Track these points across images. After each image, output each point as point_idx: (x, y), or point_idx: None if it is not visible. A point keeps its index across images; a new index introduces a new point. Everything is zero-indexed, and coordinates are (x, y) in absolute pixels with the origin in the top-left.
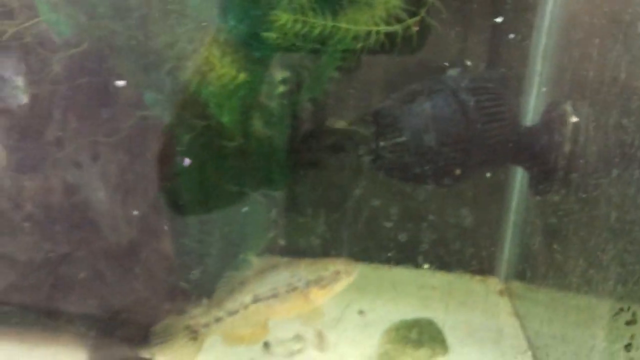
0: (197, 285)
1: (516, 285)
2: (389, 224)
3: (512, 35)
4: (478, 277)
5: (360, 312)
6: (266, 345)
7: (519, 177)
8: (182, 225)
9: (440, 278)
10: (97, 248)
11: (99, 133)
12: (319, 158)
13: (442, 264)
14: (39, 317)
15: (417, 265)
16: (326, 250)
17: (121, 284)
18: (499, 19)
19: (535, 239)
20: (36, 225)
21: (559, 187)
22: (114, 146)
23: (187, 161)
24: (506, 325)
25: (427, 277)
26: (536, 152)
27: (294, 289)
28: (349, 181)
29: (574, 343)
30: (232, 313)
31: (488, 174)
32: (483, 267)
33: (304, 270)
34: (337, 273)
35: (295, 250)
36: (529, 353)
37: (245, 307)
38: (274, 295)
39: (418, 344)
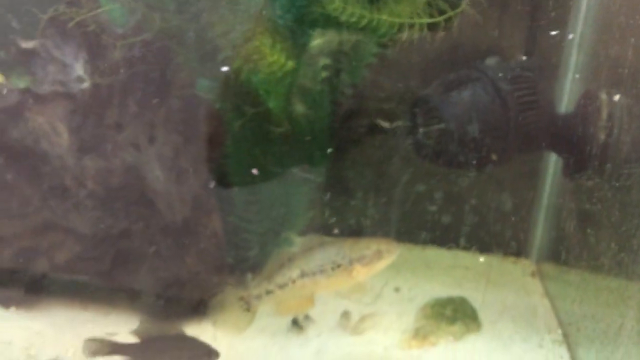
0: (242, 261)
1: (548, 267)
2: (423, 206)
3: (548, 25)
4: (510, 259)
5: (397, 290)
6: (307, 317)
7: (552, 162)
8: (230, 204)
9: (473, 259)
10: (154, 225)
11: (155, 117)
12: (358, 138)
13: (476, 246)
14: (101, 287)
15: (459, 245)
16: (362, 230)
17: (175, 258)
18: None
19: (570, 223)
20: (98, 202)
21: (592, 173)
22: (169, 129)
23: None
24: (537, 304)
25: (460, 257)
26: (571, 139)
27: (339, 265)
28: (388, 164)
29: (604, 322)
30: (281, 286)
31: (522, 160)
32: (516, 250)
33: (348, 248)
34: (379, 252)
35: (337, 229)
36: (559, 331)
37: (293, 281)
38: (320, 271)
39: (452, 320)
